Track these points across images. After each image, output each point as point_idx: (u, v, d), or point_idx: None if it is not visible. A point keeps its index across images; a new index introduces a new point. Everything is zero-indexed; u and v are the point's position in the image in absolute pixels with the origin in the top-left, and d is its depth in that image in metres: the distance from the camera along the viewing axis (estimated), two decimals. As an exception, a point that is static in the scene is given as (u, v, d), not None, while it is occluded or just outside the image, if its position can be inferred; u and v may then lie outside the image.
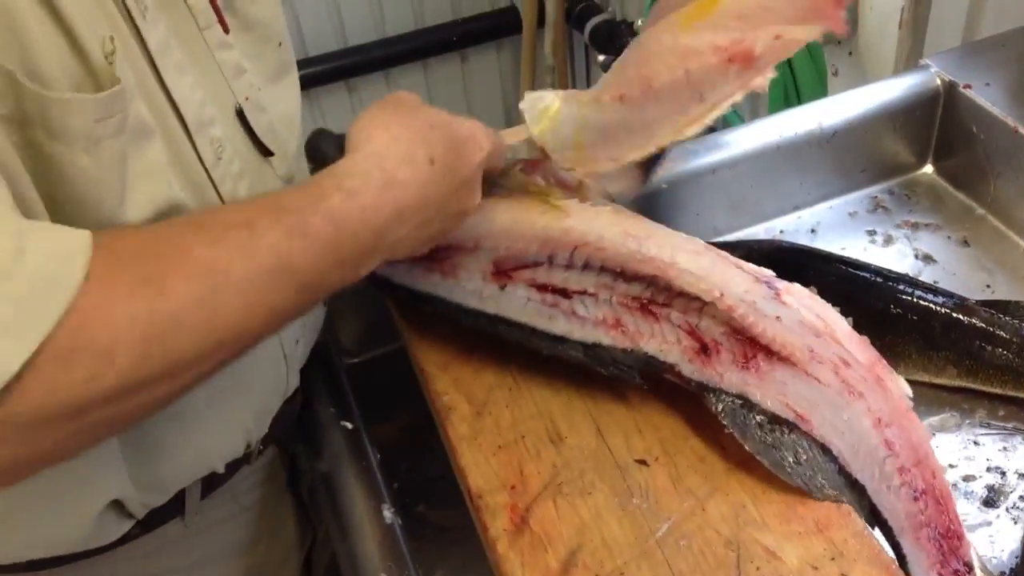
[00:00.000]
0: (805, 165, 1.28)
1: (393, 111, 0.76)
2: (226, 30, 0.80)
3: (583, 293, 0.85)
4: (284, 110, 0.90)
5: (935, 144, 1.32)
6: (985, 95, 1.23)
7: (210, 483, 0.94)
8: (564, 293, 0.86)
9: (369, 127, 0.74)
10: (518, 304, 0.87)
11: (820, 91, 1.76)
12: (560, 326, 0.85)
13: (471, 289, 0.90)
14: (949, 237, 1.24)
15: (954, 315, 1.03)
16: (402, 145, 0.72)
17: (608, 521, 0.80)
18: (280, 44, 0.89)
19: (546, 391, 0.91)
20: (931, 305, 1.04)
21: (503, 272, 0.88)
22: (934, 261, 1.21)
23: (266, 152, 0.86)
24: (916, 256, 1.22)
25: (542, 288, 0.86)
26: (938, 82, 1.28)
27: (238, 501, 1.02)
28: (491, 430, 0.88)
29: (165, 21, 0.74)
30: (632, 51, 0.83)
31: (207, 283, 0.60)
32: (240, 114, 0.82)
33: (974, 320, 1.03)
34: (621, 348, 0.84)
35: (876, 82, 1.33)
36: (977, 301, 1.05)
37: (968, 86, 1.25)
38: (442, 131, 0.75)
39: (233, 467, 0.96)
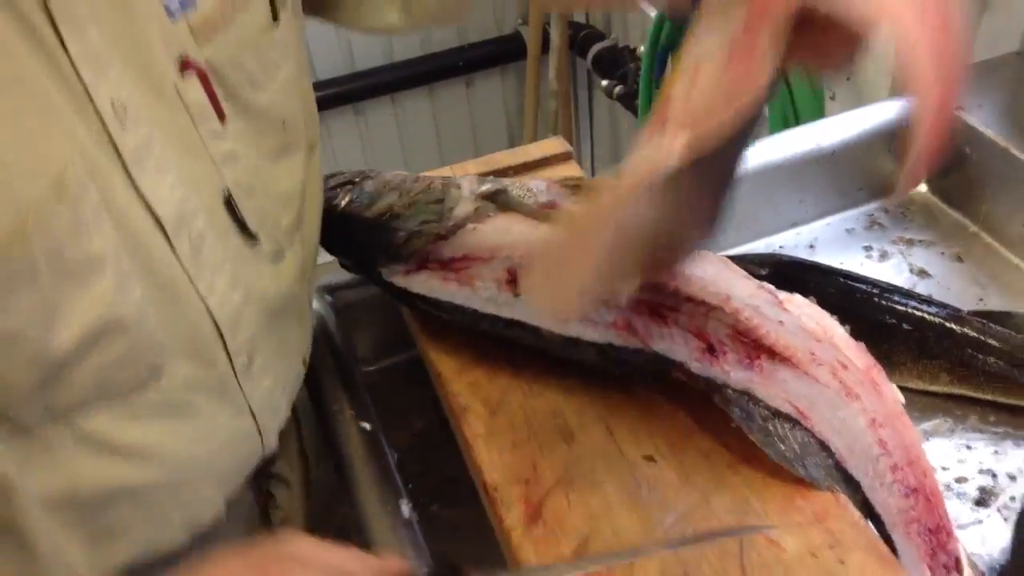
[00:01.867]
0: (804, 184, 1.33)
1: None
2: (222, 120, 0.76)
3: (595, 298, 0.89)
4: (282, 188, 0.87)
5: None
6: (978, 117, 1.28)
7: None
8: (577, 298, 0.90)
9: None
10: (533, 310, 0.91)
11: (818, 115, 1.80)
12: (573, 328, 0.90)
13: (487, 297, 0.94)
14: (943, 253, 1.28)
15: (947, 325, 1.07)
16: None
17: (618, 513, 0.83)
18: (284, 123, 0.85)
19: (558, 394, 0.94)
20: (925, 315, 1.08)
21: (518, 280, 0.93)
22: (929, 275, 1.25)
23: (251, 236, 0.82)
24: (911, 271, 1.26)
25: (556, 294, 0.90)
26: (932, 105, 1.32)
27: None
28: (505, 429, 0.92)
29: (149, 119, 0.70)
30: None
31: None
32: (228, 201, 0.79)
33: (966, 330, 1.07)
34: (632, 348, 0.88)
35: (872, 104, 1.38)
36: (970, 312, 1.09)
37: (961, 108, 1.29)
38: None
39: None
